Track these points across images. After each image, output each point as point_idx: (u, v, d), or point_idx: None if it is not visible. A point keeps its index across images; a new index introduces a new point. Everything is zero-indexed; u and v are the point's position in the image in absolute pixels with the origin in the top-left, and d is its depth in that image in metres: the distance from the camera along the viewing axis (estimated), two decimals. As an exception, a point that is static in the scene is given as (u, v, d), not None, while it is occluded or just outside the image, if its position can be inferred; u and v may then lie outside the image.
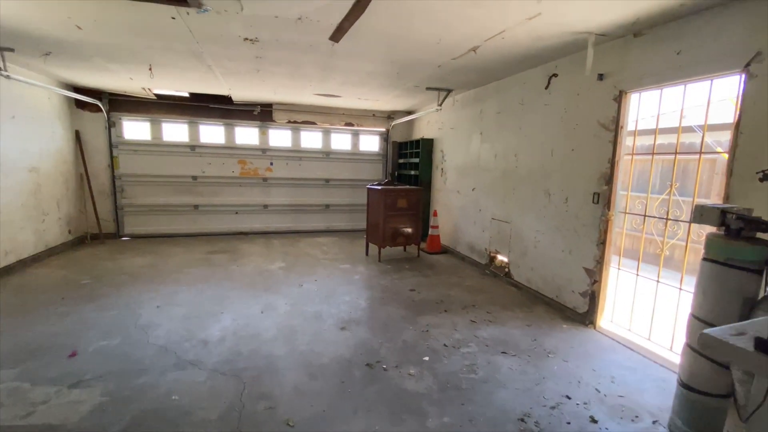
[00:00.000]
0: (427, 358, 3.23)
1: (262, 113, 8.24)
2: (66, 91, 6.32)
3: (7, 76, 4.66)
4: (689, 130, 5.73)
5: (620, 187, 3.85)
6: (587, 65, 3.65)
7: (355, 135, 9.11)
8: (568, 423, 2.50)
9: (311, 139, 8.83)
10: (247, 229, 8.49)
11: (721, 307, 2.15)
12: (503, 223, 5.46)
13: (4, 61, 4.58)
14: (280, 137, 8.60)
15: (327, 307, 4.34)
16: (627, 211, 4.03)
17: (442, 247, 7.20)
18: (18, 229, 5.47)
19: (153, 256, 6.42)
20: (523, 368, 3.14)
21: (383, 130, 9.19)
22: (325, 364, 3.11)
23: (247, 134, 8.39)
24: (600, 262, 3.90)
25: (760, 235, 2.16)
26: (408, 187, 6.73)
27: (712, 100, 3.09)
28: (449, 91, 6.19)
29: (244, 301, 4.47)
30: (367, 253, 6.81)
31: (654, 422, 2.55)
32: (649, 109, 3.95)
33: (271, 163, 8.53)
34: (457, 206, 6.87)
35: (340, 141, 9.06)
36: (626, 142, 3.79)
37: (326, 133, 8.87)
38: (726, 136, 6.35)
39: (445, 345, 3.48)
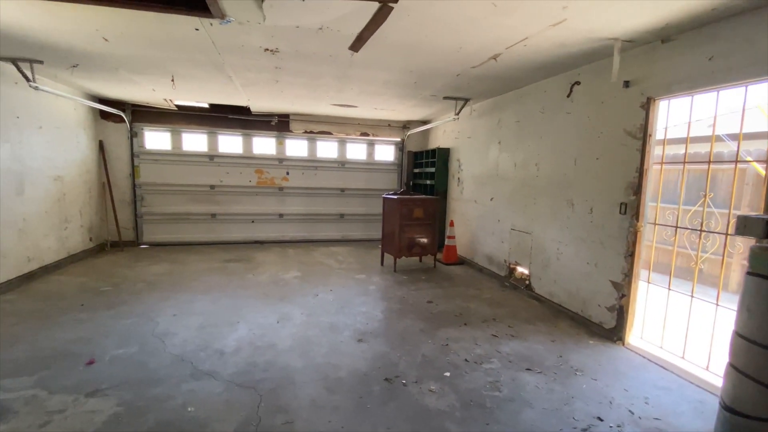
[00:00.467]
0: (448, 374, 3.11)
1: (279, 124, 8.33)
2: (91, 102, 6.51)
3: (36, 88, 4.81)
4: (716, 139, 5.52)
5: (649, 197, 3.70)
6: (613, 72, 3.55)
7: (371, 145, 9.12)
8: (602, 447, 2.35)
9: (327, 149, 8.88)
10: (263, 238, 8.53)
11: (771, 325, 2.00)
12: (523, 234, 5.32)
13: (33, 72, 4.73)
14: (296, 147, 8.68)
15: (343, 317, 4.26)
16: (657, 222, 3.86)
17: (459, 258, 7.07)
18: (41, 237, 5.58)
19: (171, 264, 6.47)
20: (550, 386, 2.99)
21: (398, 139, 9.18)
22: (343, 378, 3.02)
23: (264, 144, 8.48)
24: (628, 275, 3.74)
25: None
26: (424, 196, 6.66)
27: (736, 108, 2.95)
28: (467, 100, 6.14)
29: (260, 310, 4.42)
30: (382, 263, 6.72)
31: (695, 449, 2.37)
32: (677, 117, 3.81)
33: (288, 173, 8.59)
34: (474, 216, 6.75)
35: (356, 151, 9.08)
36: (654, 151, 3.65)
37: (342, 143, 8.91)
38: (755, 145, 6.11)
39: (466, 360, 3.35)
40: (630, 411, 2.71)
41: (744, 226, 2.20)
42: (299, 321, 4.14)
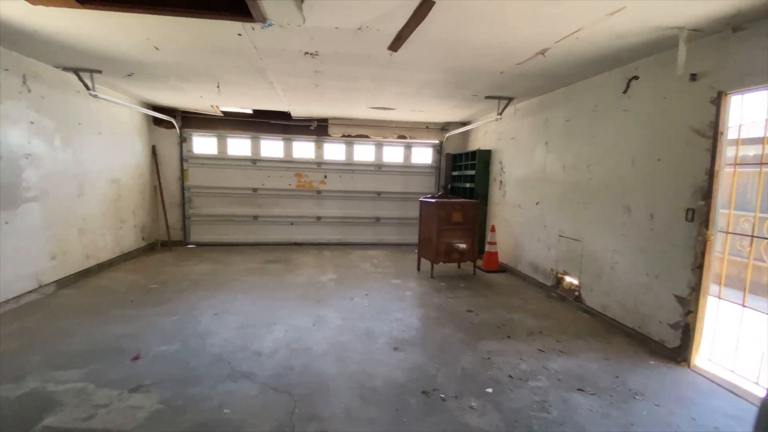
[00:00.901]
0: (490, 390, 2.91)
1: (318, 128, 8.45)
2: (145, 110, 6.91)
3: (95, 96, 5.15)
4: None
5: (720, 203, 3.30)
6: (679, 64, 3.21)
7: (408, 147, 9.01)
8: (670, 486, 2.06)
9: (364, 152, 8.88)
10: (301, 240, 8.66)
11: None
12: (573, 242, 4.96)
13: (92, 81, 5.07)
14: (334, 151, 8.75)
15: (379, 324, 4.16)
16: (729, 230, 3.43)
17: (501, 265, 6.76)
18: (99, 236, 5.96)
19: (214, 263, 6.69)
20: (606, 410, 2.71)
21: (436, 142, 9.00)
22: (378, 388, 2.91)
23: (303, 148, 8.64)
24: (696, 289, 3.34)
25: None
26: (464, 200, 6.44)
27: None
28: (510, 99, 5.87)
29: (297, 312, 4.43)
30: (418, 269, 6.57)
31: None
32: (754, 113, 3.38)
33: (325, 176, 8.68)
34: (517, 221, 6.43)
35: (392, 154, 9.01)
36: (727, 151, 3.25)
37: (378, 146, 8.87)
38: None
39: (510, 376, 3.12)
40: (702, 445, 2.39)
41: None
42: (334, 325, 4.09)
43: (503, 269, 6.71)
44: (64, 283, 5.11)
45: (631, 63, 4.05)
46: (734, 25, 3.02)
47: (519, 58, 3.99)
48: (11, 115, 4.25)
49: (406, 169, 9.05)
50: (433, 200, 6.13)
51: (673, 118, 3.59)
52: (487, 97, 5.82)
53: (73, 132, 5.30)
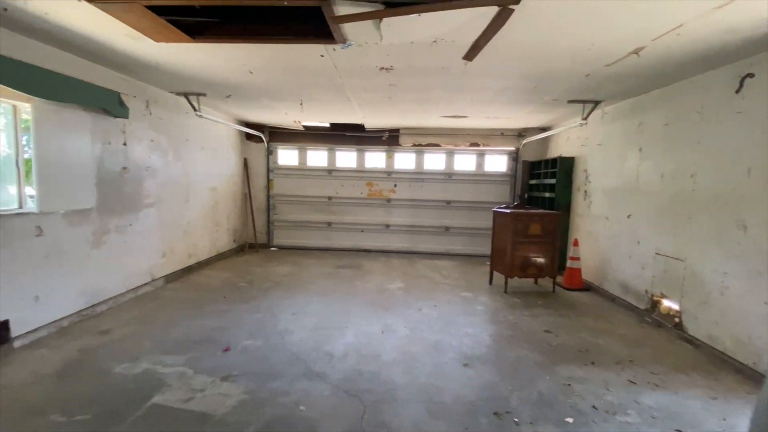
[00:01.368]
0: (570, 420, 2.69)
1: (389, 138, 8.68)
2: (240, 126, 7.75)
3: (200, 116, 5.92)
4: None
5: None
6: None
7: (480, 155, 8.78)
8: None
9: (434, 161, 8.88)
10: (370, 247, 8.91)
11: None
12: (673, 261, 4.40)
13: (198, 103, 5.83)
14: (404, 160, 8.89)
15: (447, 337, 4.09)
16: None
17: (584, 283, 6.22)
18: (199, 237, 6.78)
19: (293, 266, 7.19)
20: (713, 460, 2.35)
21: (512, 149, 8.63)
22: (447, 403, 2.86)
23: (375, 158, 8.93)
24: (841, 326, 2.75)
25: None
26: (543, 211, 6.08)
27: None
28: (597, 102, 5.43)
29: (366, 318, 4.55)
30: (490, 282, 6.32)
31: None
32: None
33: (395, 185, 8.84)
34: (605, 235, 5.88)
35: (464, 162, 8.86)
36: None
37: (449, 154, 8.80)
38: None
39: (594, 407, 2.85)
40: None
41: None
42: (402, 334, 4.12)
43: (587, 287, 6.16)
44: (171, 278, 5.89)
45: (744, 59, 3.51)
46: None
47: (608, 59, 3.69)
48: (137, 134, 5.06)
49: (479, 178, 8.82)
50: (508, 211, 5.88)
51: (807, 119, 3.02)
52: (570, 101, 5.46)
53: (182, 147, 6.13)
